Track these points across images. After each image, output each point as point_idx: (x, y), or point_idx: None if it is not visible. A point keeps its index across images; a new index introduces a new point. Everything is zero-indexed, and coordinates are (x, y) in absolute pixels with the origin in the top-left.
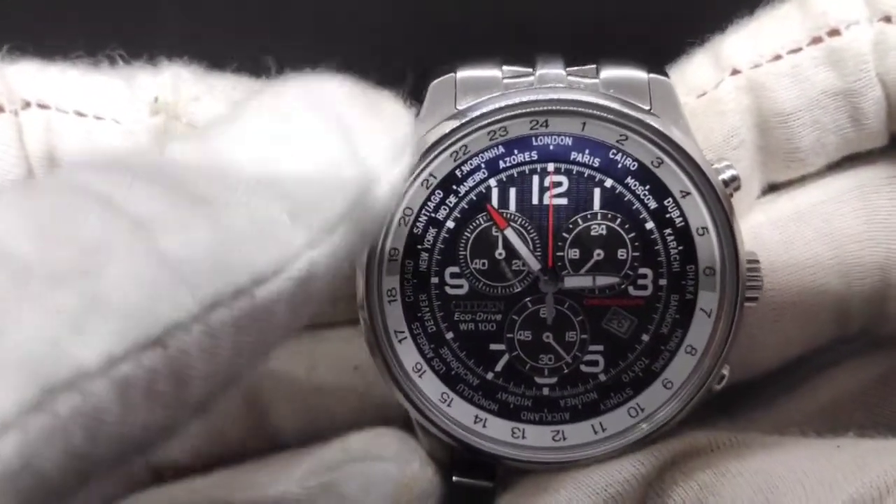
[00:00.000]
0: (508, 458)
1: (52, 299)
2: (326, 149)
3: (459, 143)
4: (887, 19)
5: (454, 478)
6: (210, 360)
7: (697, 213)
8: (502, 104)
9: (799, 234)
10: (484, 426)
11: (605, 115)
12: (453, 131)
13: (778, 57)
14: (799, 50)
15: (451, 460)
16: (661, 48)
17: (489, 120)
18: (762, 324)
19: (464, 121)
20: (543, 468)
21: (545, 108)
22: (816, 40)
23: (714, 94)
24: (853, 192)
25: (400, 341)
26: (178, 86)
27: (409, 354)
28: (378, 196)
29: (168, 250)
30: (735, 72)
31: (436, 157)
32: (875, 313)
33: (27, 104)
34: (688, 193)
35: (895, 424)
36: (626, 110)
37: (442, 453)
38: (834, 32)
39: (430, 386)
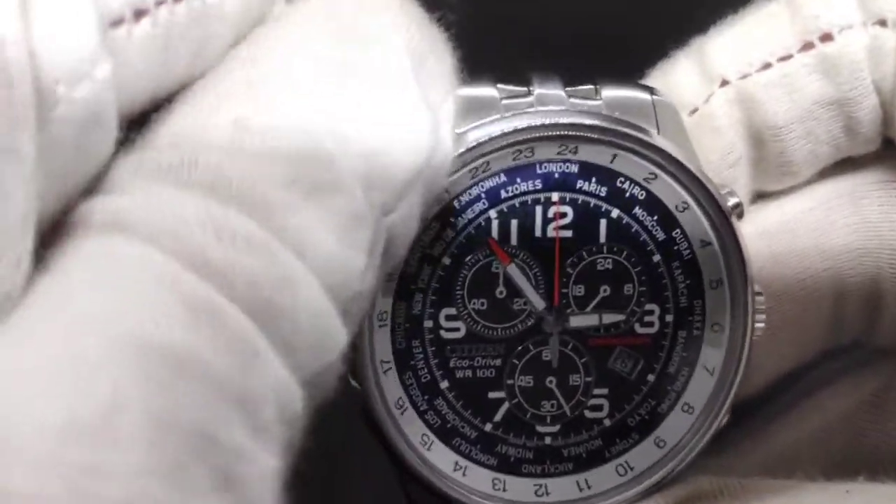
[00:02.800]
0: None
1: None
2: (398, 91)
3: (482, 160)
4: (882, 23)
5: None
6: None
7: (700, 227)
8: (535, 122)
9: (788, 244)
10: (504, 489)
11: (638, 148)
12: (480, 145)
13: (767, 65)
14: (789, 57)
15: None
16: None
17: (518, 138)
18: (756, 344)
19: (494, 135)
20: None
21: (577, 133)
22: (808, 46)
23: (705, 109)
24: (843, 199)
25: (402, 413)
26: None
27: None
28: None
29: None
30: (724, 82)
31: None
32: (867, 323)
33: None
34: (708, 243)
35: (887, 448)
36: (660, 146)
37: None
38: (826, 37)
39: (441, 457)
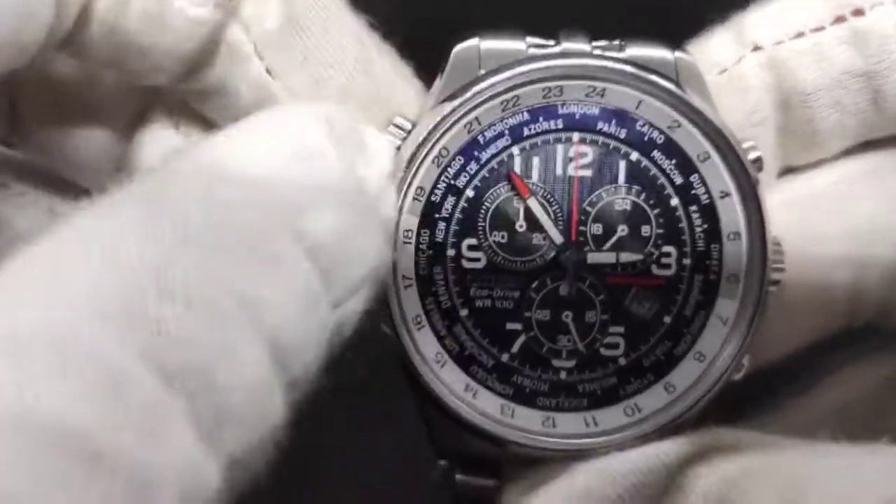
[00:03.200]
0: (540, 447)
1: None
2: (346, 196)
3: (472, 115)
4: None
5: (457, 476)
6: None
7: (720, 178)
8: (519, 70)
9: (813, 216)
10: (512, 416)
11: (663, 96)
12: (464, 102)
13: (801, 34)
14: (822, 28)
15: (458, 458)
16: (682, 25)
17: (503, 88)
18: (777, 310)
19: (475, 90)
20: (578, 456)
21: (604, 75)
22: (840, 19)
23: (735, 70)
24: (869, 175)
25: (419, 329)
26: None
27: (428, 344)
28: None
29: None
30: (757, 48)
31: (446, 131)
32: (886, 301)
33: None
34: (727, 194)
35: None
36: (684, 96)
37: (451, 448)
38: (858, 12)
39: (453, 377)
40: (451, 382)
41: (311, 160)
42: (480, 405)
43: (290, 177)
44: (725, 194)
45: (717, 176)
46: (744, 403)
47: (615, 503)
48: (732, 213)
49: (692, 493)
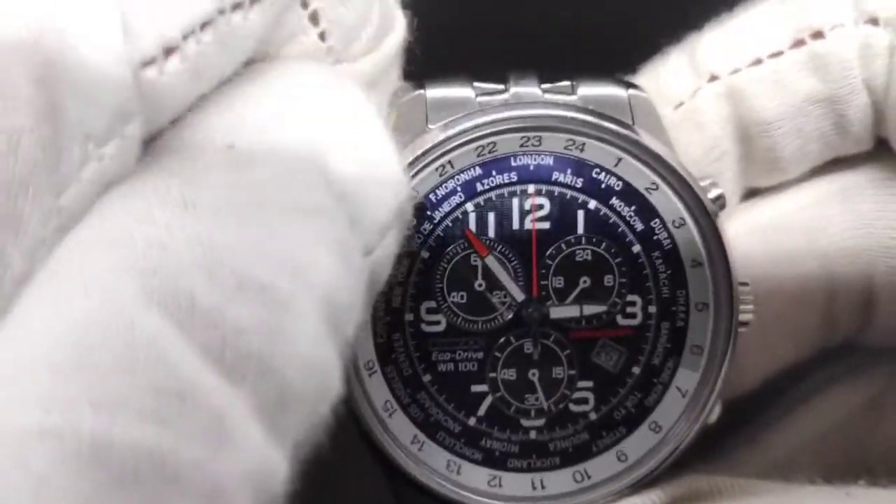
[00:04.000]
0: None
1: None
2: (370, 140)
3: (444, 159)
4: (874, 21)
5: None
6: None
7: (672, 207)
8: (493, 117)
9: (781, 242)
10: (458, 473)
11: (602, 136)
12: (437, 145)
13: (758, 61)
14: (780, 53)
15: None
16: (635, 48)
17: (477, 134)
18: (749, 341)
19: (450, 133)
20: None
21: (540, 124)
22: (799, 43)
23: (692, 103)
24: (836, 197)
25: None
26: None
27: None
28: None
29: None
30: (713, 78)
31: (418, 172)
32: (860, 322)
33: None
34: (682, 224)
35: (885, 452)
36: (623, 131)
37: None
38: (817, 35)
39: (402, 427)
40: (430, 462)
41: (318, 97)
42: (464, 480)
43: (305, 118)
44: (681, 223)
45: (668, 204)
46: (723, 434)
47: None
48: (691, 241)
49: None
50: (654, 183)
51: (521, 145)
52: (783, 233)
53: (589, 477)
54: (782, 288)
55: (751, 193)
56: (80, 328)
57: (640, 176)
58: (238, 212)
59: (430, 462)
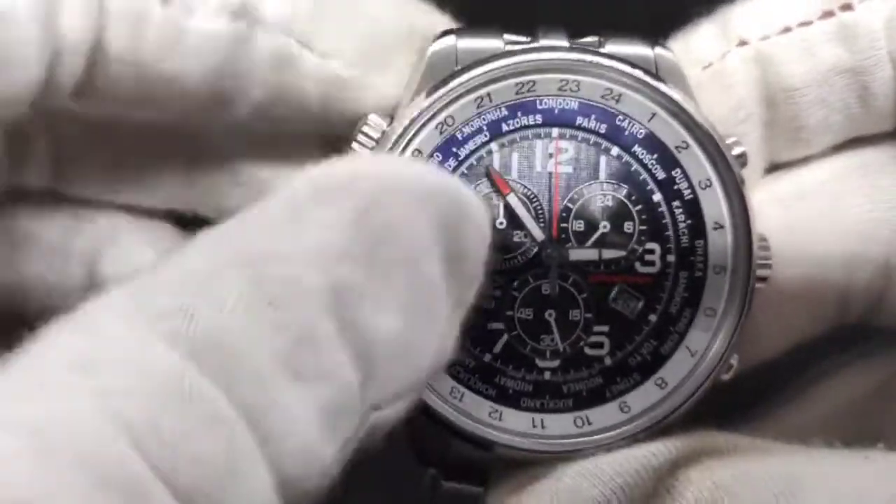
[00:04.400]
0: (529, 449)
1: None
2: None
3: (444, 114)
4: None
5: (444, 483)
6: None
7: (700, 167)
8: (490, 66)
9: (803, 213)
10: (500, 419)
11: (639, 87)
12: (435, 101)
13: (787, 29)
14: (809, 23)
15: (444, 465)
16: (666, 21)
17: (475, 84)
18: (766, 308)
19: (446, 89)
20: (567, 457)
21: (577, 67)
22: (828, 14)
23: (720, 65)
24: (858, 171)
25: None
26: None
27: None
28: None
29: None
30: (742, 43)
31: (422, 127)
32: (877, 299)
33: None
34: (709, 184)
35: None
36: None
37: (437, 455)
38: (846, 7)
39: (437, 380)
40: (436, 386)
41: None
42: (467, 408)
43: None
44: (707, 184)
45: (697, 165)
46: (734, 411)
47: None
48: (715, 204)
49: (681, 497)
50: (684, 141)
51: (560, 88)
52: (803, 205)
53: (590, 423)
54: (801, 259)
55: (773, 169)
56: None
57: (671, 133)
58: (223, 348)
59: (435, 386)
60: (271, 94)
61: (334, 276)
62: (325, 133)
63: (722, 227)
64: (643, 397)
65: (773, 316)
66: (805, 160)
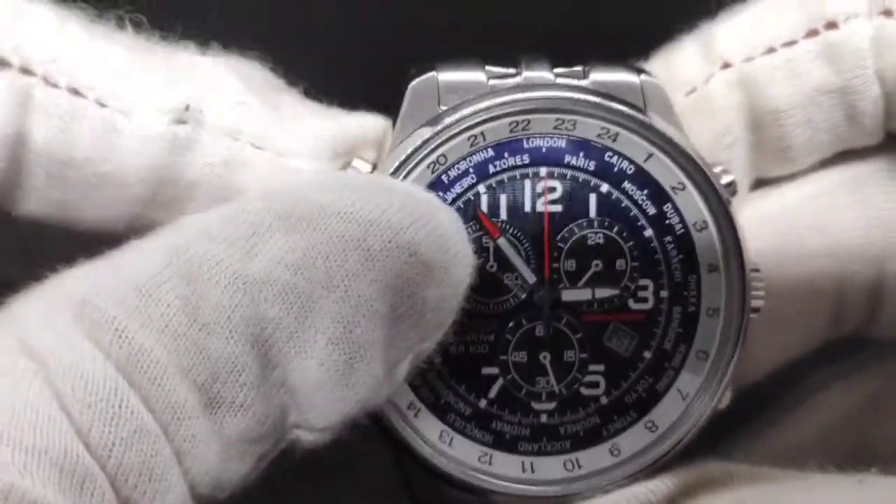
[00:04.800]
0: (520, 495)
1: None
2: None
3: (437, 153)
4: (888, 13)
5: None
6: None
7: (695, 209)
8: (486, 104)
9: (791, 231)
10: (490, 463)
11: (634, 127)
12: (429, 140)
13: (771, 50)
14: (794, 43)
15: None
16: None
17: (469, 123)
18: (758, 332)
19: (440, 127)
20: (559, 502)
21: (572, 107)
22: (812, 33)
23: (704, 90)
24: (848, 186)
25: None
26: (221, 91)
27: (402, 394)
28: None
29: None
30: (726, 65)
31: (412, 170)
32: (869, 312)
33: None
34: (704, 226)
35: (889, 448)
36: (656, 125)
37: (431, 499)
38: (831, 25)
39: (428, 425)
40: (425, 431)
41: None
42: (456, 454)
43: None
44: (703, 227)
45: (692, 206)
46: (727, 431)
47: None
48: (710, 246)
49: None
50: (680, 182)
51: (556, 127)
52: (793, 223)
53: (580, 466)
54: (791, 276)
55: (760, 184)
56: None
57: (667, 173)
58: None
59: (424, 431)
60: (220, 196)
61: (268, 313)
62: None
63: (716, 268)
64: (634, 440)
65: (766, 337)
66: (792, 175)
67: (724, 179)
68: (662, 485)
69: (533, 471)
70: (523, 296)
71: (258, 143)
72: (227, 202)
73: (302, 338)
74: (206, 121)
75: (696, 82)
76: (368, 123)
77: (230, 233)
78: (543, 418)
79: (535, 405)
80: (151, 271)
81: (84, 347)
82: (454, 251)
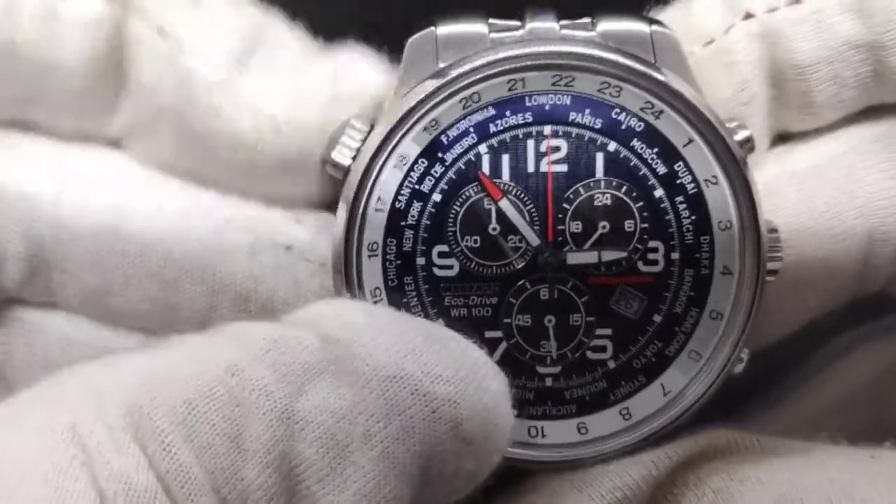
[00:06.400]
0: (525, 460)
1: None
2: None
3: (430, 117)
4: None
5: None
6: None
7: (706, 164)
8: (480, 62)
9: (819, 189)
10: None
11: (638, 80)
12: (423, 101)
13: (798, 1)
14: None
15: None
16: None
17: (464, 83)
18: (779, 291)
19: (432, 88)
20: (566, 467)
21: (571, 62)
22: None
23: (723, 41)
24: (878, 143)
25: None
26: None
27: None
28: None
29: None
30: (748, 16)
31: (406, 133)
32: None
33: None
34: (715, 181)
35: None
36: (663, 79)
37: None
38: None
39: None
40: None
41: None
42: None
43: None
44: (713, 181)
45: (702, 161)
46: (747, 394)
47: None
48: (722, 202)
49: None
50: (689, 137)
51: (554, 84)
52: (819, 179)
53: (589, 431)
54: (819, 238)
55: (782, 138)
56: None
57: (675, 128)
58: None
59: None
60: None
61: (305, 452)
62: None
63: (730, 224)
64: (645, 403)
65: (788, 296)
66: (817, 132)
67: (739, 135)
68: (666, 456)
69: (543, 435)
70: (527, 258)
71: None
72: (284, 322)
73: (332, 483)
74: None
75: (716, 33)
76: (370, 81)
77: (283, 364)
78: (548, 382)
79: (540, 369)
80: (203, 387)
81: (131, 453)
82: (496, 422)
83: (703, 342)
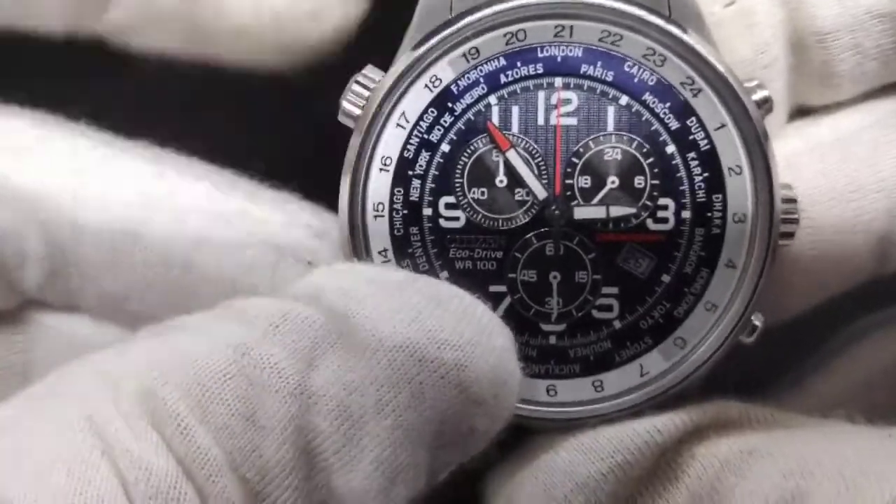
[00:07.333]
0: (543, 419)
1: None
2: None
3: (470, 45)
4: None
5: None
6: None
7: (730, 146)
8: (479, 16)
9: (841, 162)
10: None
11: (640, 28)
12: (465, 27)
13: None
14: None
15: None
16: None
17: (505, 19)
18: (796, 264)
19: (434, 41)
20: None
21: (568, 10)
22: None
23: (745, 2)
24: None
25: None
26: None
27: None
28: None
29: None
30: None
31: (407, 88)
32: None
33: None
34: (722, 127)
35: None
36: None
37: None
38: None
39: None
40: None
41: None
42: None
43: None
44: (721, 126)
45: (711, 109)
46: (763, 379)
47: (599, 482)
48: (732, 149)
49: (684, 475)
50: (695, 84)
51: (556, 35)
52: (843, 152)
53: (603, 388)
54: (839, 213)
55: (801, 112)
56: None
57: (681, 76)
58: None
59: None
60: None
61: (320, 425)
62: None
63: (740, 172)
64: (659, 358)
65: (804, 272)
66: (838, 105)
67: (758, 95)
68: (672, 422)
69: (556, 394)
70: (534, 212)
71: None
72: (288, 296)
73: (348, 454)
74: None
75: None
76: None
77: (292, 341)
78: (552, 339)
79: (544, 326)
80: (215, 368)
81: (149, 438)
82: (504, 380)
83: (716, 295)
